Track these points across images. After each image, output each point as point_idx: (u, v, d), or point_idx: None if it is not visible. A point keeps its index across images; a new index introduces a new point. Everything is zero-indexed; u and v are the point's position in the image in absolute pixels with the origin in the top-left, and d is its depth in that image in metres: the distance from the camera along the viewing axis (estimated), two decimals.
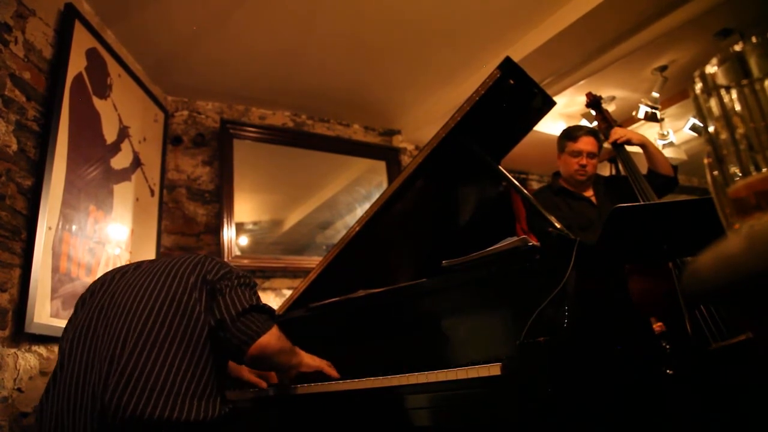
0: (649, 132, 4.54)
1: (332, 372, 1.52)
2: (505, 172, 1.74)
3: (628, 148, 2.48)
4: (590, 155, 2.48)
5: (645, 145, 2.49)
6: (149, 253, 2.97)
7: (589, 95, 2.77)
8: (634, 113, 3.74)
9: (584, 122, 3.93)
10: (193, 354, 1.30)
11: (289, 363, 1.46)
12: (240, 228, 3.53)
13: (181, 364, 1.27)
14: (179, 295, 1.36)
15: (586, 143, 2.48)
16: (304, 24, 2.94)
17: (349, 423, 1.46)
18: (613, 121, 2.65)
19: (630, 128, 4.39)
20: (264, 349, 1.35)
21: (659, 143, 4.28)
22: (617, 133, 2.48)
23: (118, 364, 1.25)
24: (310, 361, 1.51)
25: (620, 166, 2.53)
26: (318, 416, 1.53)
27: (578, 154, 2.48)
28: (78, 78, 2.39)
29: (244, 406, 1.69)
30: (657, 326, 1.98)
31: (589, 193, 2.56)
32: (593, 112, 2.75)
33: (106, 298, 1.41)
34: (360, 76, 3.53)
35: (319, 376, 1.51)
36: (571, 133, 2.54)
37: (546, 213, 1.58)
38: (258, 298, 1.44)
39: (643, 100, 3.69)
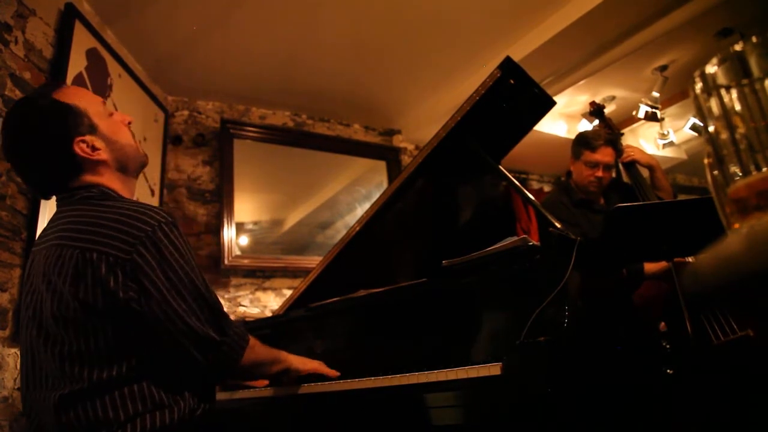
0: (649, 132, 4.55)
1: (327, 371, 1.48)
2: (505, 171, 1.74)
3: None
4: (607, 167, 2.35)
5: (653, 168, 2.43)
6: None
7: (592, 104, 2.74)
8: (634, 113, 3.74)
9: (584, 122, 3.94)
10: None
11: (271, 372, 1.38)
12: (240, 228, 3.53)
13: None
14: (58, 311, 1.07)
15: (604, 154, 2.33)
16: (305, 24, 2.94)
17: (349, 423, 1.46)
18: (616, 129, 2.62)
19: (630, 128, 4.42)
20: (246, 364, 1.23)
21: (659, 143, 4.29)
22: (628, 152, 2.42)
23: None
24: (301, 365, 1.44)
25: (627, 179, 2.47)
26: (317, 416, 1.53)
27: (595, 165, 2.34)
28: (78, 78, 2.38)
29: (244, 406, 1.69)
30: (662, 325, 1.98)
31: (602, 201, 2.48)
32: (596, 121, 2.73)
33: (26, 285, 1.21)
34: (360, 76, 3.53)
35: (316, 376, 1.49)
36: (590, 142, 2.36)
37: (547, 213, 1.57)
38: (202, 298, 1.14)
39: (643, 99, 3.69)
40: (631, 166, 2.42)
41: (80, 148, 1.17)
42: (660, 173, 2.44)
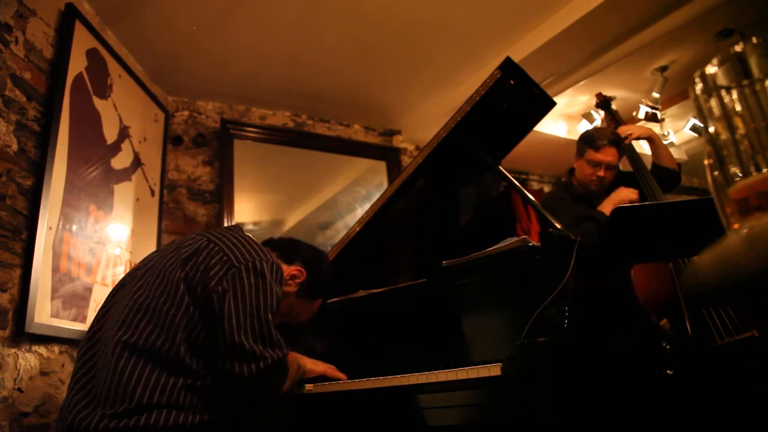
0: None
1: (336, 374, 1.51)
2: (505, 172, 1.74)
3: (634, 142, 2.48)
4: (609, 167, 2.34)
5: (652, 138, 2.48)
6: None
7: (599, 96, 2.75)
8: (634, 113, 3.75)
9: (585, 122, 3.93)
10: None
11: (293, 383, 1.45)
12: None
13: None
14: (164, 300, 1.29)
15: (607, 154, 2.32)
16: (305, 24, 2.94)
17: (348, 423, 1.46)
18: (622, 121, 2.63)
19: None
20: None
21: None
22: (624, 131, 2.45)
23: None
24: (313, 367, 1.50)
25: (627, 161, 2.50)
26: (317, 416, 1.53)
27: (598, 164, 2.33)
28: (78, 78, 2.38)
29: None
30: (663, 322, 1.98)
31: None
32: (602, 113, 2.73)
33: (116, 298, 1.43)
34: (360, 77, 3.53)
35: (324, 377, 1.50)
36: (594, 141, 2.35)
37: (547, 213, 1.57)
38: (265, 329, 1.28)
39: (643, 100, 3.69)
40: (630, 148, 2.44)
41: (294, 269, 1.56)
42: (659, 141, 2.51)
